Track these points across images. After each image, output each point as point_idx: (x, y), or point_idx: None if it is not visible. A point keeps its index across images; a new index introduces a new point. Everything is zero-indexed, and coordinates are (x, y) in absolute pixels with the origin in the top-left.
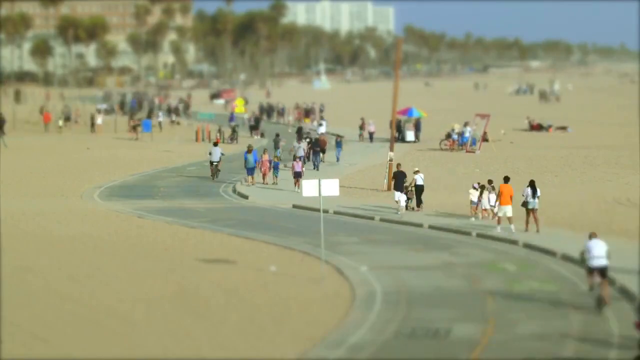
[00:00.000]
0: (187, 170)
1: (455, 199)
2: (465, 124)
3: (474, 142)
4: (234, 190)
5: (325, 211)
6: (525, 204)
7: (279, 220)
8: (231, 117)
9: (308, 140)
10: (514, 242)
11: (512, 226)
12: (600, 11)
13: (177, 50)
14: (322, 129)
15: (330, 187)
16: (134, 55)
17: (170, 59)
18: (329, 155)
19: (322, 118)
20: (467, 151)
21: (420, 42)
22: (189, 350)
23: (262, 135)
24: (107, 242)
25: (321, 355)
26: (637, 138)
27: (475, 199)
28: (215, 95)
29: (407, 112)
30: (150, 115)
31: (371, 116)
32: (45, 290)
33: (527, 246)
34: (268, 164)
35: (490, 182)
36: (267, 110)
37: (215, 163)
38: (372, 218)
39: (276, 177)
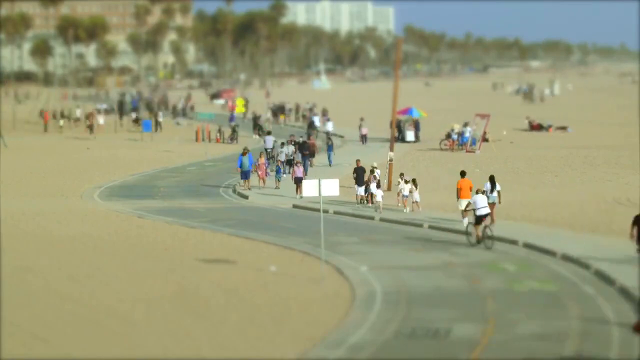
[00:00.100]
0: (188, 170)
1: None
2: (465, 124)
3: (474, 142)
4: (234, 191)
5: (325, 211)
6: None
7: (279, 220)
8: (231, 117)
9: (293, 143)
10: (514, 242)
11: (465, 219)
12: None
13: (177, 50)
14: (329, 127)
15: (330, 187)
16: (134, 55)
17: (170, 59)
18: (321, 157)
19: (327, 118)
20: (467, 151)
21: (420, 42)
22: (189, 350)
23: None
24: (107, 242)
25: (321, 355)
26: (637, 138)
27: (406, 193)
28: (215, 95)
29: (407, 112)
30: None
31: (371, 116)
32: (45, 290)
33: (527, 246)
34: (265, 168)
35: (413, 180)
36: (277, 111)
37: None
38: (372, 218)
39: (279, 181)
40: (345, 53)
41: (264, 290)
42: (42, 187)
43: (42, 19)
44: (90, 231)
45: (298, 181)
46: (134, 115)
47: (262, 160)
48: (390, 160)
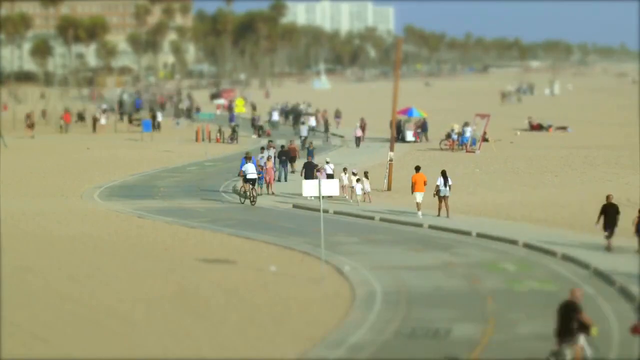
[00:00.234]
0: (188, 170)
1: (455, 199)
2: (466, 124)
3: (474, 142)
4: (234, 190)
5: (325, 211)
6: (437, 192)
7: (279, 220)
8: (231, 117)
9: (273, 148)
10: (514, 242)
11: (420, 212)
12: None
13: (177, 50)
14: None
15: (330, 187)
16: (134, 55)
17: (170, 59)
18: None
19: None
20: (467, 151)
21: (420, 42)
22: (189, 350)
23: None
24: (107, 242)
25: (321, 355)
26: (637, 138)
27: (354, 184)
28: (215, 95)
29: (407, 112)
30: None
31: (371, 116)
32: (45, 290)
33: (527, 246)
34: (273, 172)
35: (365, 173)
36: (288, 113)
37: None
38: (372, 218)
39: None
40: (345, 53)
41: (264, 290)
42: (42, 187)
43: (42, 19)
44: (90, 231)
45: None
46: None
47: (270, 164)
48: (390, 160)
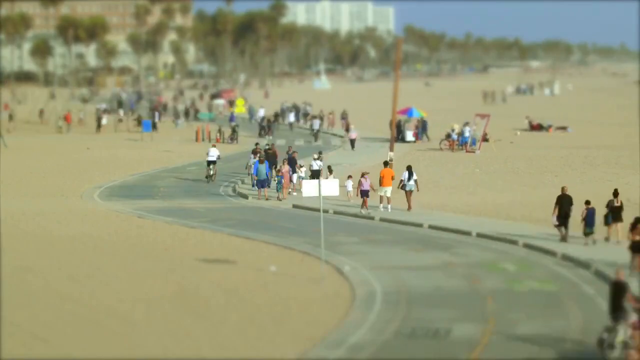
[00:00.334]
0: (188, 170)
1: (455, 199)
2: (466, 124)
3: (473, 142)
4: (234, 190)
5: (325, 211)
6: (402, 186)
7: (279, 220)
8: (231, 117)
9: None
10: (513, 242)
11: (389, 206)
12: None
13: (177, 50)
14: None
15: (330, 187)
16: (134, 55)
17: (170, 59)
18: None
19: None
20: (467, 151)
21: (420, 42)
22: (189, 350)
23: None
24: (107, 242)
25: (321, 355)
26: (637, 138)
27: (350, 188)
28: (215, 95)
29: (407, 112)
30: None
31: (370, 116)
32: (45, 290)
33: (527, 246)
34: (289, 175)
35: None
36: (290, 113)
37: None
38: (372, 218)
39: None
40: (345, 53)
41: (264, 290)
42: (42, 187)
43: (42, 19)
44: (90, 231)
45: (365, 194)
46: (121, 112)
47: (286, 167)
48: (391, 160)
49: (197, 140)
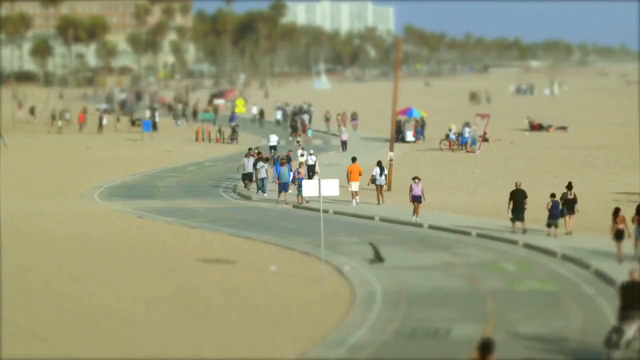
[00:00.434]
0: (188, 170)
1: (455, 199)
2: (466, 124)
3: (473, 142)
4: (234, 191)
5: (325, 211)
6: (373, 181)
7: (279, 220)
8: (231, 117)
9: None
10: (514, 242)
11: (357, 199)
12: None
13: (177, 50)
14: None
15: (330, 187)
16: (134, 55)
17: (170, 59)
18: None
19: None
20: (467, 151)
21: (420, 42)
22: (189, 350)
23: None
24: (107, 242)
25: (321, 355)
26: (637, 138)
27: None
28: (215, 95)
29: (407, 112)
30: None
31: (370, 116)
32: (45, 290)
33: (527, 246)
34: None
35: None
36: (296, 114)
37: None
38: (372, 218)
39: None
40: (345, 53)
41: (264, 290)
42: (42, 187)
43: (42, 19)
44: (90, 231)
45: (416, 199)
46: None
47: (303, 170)
48: (390, 160)
49: (197, 140)
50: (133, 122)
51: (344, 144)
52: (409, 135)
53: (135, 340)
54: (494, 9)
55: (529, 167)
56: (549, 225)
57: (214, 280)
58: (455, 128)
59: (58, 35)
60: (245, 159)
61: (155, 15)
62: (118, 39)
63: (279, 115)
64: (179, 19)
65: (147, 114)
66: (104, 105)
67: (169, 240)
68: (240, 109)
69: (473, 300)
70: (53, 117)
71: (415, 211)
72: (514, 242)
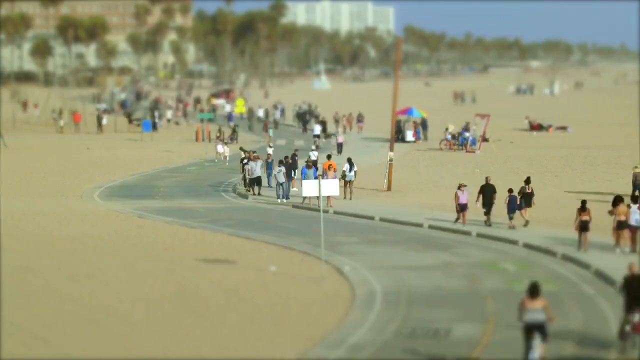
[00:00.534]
0: (188, 170)
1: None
2: (466, 125)
3: (473, 142)
4: (234, 190)
5: (325, 211)
6: (343, 176)
7: (279, 220)
8: (230, 117)
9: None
10: (514, 242)
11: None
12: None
13: (177, 50)
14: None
15: (330, 187)
16: (134, 55)
17: (170, 59)
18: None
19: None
20: (467, 151)
21: (420, 42)
22: (189, 350)
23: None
24: (107, 242)
25: (321, 355)
26: (637, 138)
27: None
28: (216, 95)
29: (407, 112)
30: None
31: (370, 116)
32: (45, 290)
33: (527, 246)
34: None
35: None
36: (303, 116)
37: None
38: (372, 218)
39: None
40: (345, 53)
41: (264, 290)
42: (42, 187)
43: (42, 19)
44: (90, 231)
45: (463, 209)
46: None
47: (331, 173)
48: (390, 160)
49: (197, 140)
50: (131, 120)
51: (339, 146)
52: (409, 135)
53: (135, 340)
54: (494, 9)
55: (529, 167)
56: (510, 219)
57: (214, 280)
58: (452, 128)
59: (58, 35)
60: (252, 163)
61: (155, 15)
62: (118, 39)
63: (277, 115)
64: (179, 19)
65: (157, 114)
66: (103, 105)
67: (169, 240)
68: (240, 109)
69: (473, 300)
70: (60, 113)
71: (462, 218)
72: (514, 242)
